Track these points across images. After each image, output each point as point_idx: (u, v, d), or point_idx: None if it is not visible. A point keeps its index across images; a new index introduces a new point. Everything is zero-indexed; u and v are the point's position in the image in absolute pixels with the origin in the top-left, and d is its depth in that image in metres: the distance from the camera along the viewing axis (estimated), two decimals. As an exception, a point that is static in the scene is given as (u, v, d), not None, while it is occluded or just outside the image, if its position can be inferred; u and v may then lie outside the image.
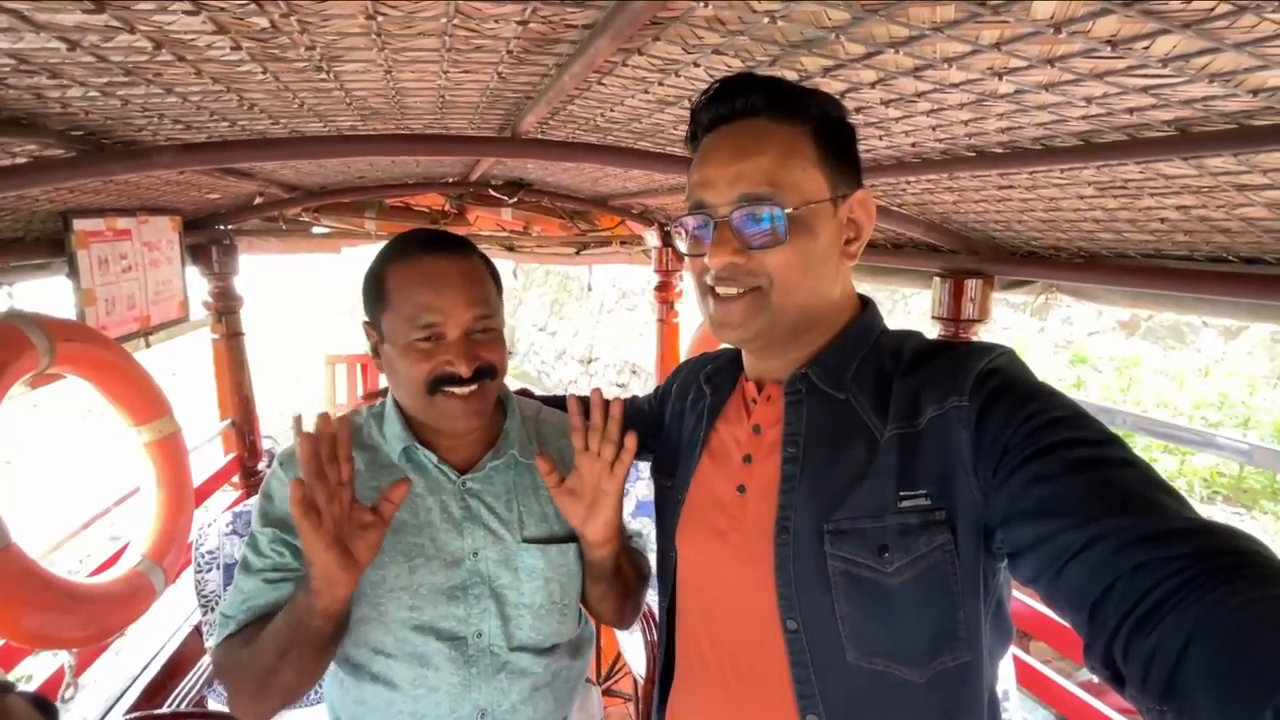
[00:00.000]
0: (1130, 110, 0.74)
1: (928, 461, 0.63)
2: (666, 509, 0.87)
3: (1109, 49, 0.57)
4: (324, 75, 0.85)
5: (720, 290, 0.69)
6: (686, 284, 3.12)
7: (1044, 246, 1.49)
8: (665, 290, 2.95)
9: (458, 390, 0.84)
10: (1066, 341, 5.65)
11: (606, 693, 2.34)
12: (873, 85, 0.78)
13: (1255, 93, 0.63)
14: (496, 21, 0.64)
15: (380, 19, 0.62)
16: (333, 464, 0.72)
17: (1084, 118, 0.79)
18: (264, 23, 0.61)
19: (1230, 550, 0.45)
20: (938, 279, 1.67)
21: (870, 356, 0.72)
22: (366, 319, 0.91)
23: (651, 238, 2.79)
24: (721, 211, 0.66)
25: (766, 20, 0.60)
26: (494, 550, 0.89)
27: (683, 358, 3.03)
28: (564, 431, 0.93)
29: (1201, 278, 1.20)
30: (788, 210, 0.64)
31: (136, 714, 1.35)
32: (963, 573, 0.62)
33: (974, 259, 1.62)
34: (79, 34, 0.61)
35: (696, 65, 0.78)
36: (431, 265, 0.84)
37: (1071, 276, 1.45)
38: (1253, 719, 0.37)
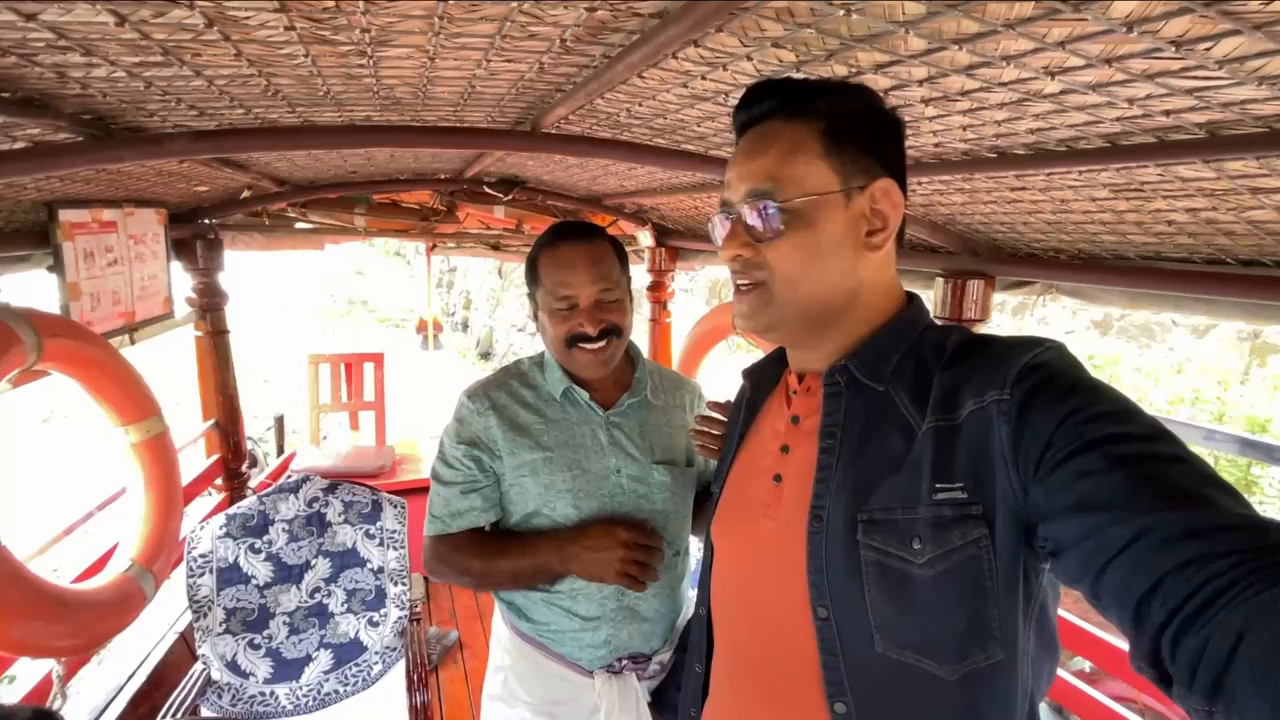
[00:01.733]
0: (1167, 113, 0.76)
1: (965, 455, 0.62)
2: (709, 506, 0.88)
3: (1172, 49, 0.59)
4: (362, 61, 0.83)
5: (736, 282, 0.73)
6: (678, 284, 3.12)
7: (1045, 249, 1.53)
8: (658, 290, 2.94)
9: (588, 346, 1.08)
10: (1045, 341, 5.85)
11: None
12: (920, 83, 0.79)
13: (1297, 96, 0.66)
14: (566, 7, 0.63)
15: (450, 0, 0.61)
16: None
17: (1118, 119, 0.82)
18: (330, 1, 0.59)
19: None
20: (940, 279, 1.70)
21: (912, 350, 0.72)
22: (528, 291, 1.17)
23: (645, 237, 2.78)
24: (735, 209, 0.70)
25: (841, 12, 0.61)
26: (632, 469, 1.15)
27: (676, 358, 3.06)
28: (678, 385, 1.29)
29: (1197, 278, 1.24)
30: (780, 203, 0.66)
31: None
32: (999, 570, 0.60)
33: (974, 260, 1.66)
34: (131, 7, 0.58)
35: (749, 59, 0.78)
36: (568, 250, 1.08)
37: (1071, 277, 1.49)
38: None
